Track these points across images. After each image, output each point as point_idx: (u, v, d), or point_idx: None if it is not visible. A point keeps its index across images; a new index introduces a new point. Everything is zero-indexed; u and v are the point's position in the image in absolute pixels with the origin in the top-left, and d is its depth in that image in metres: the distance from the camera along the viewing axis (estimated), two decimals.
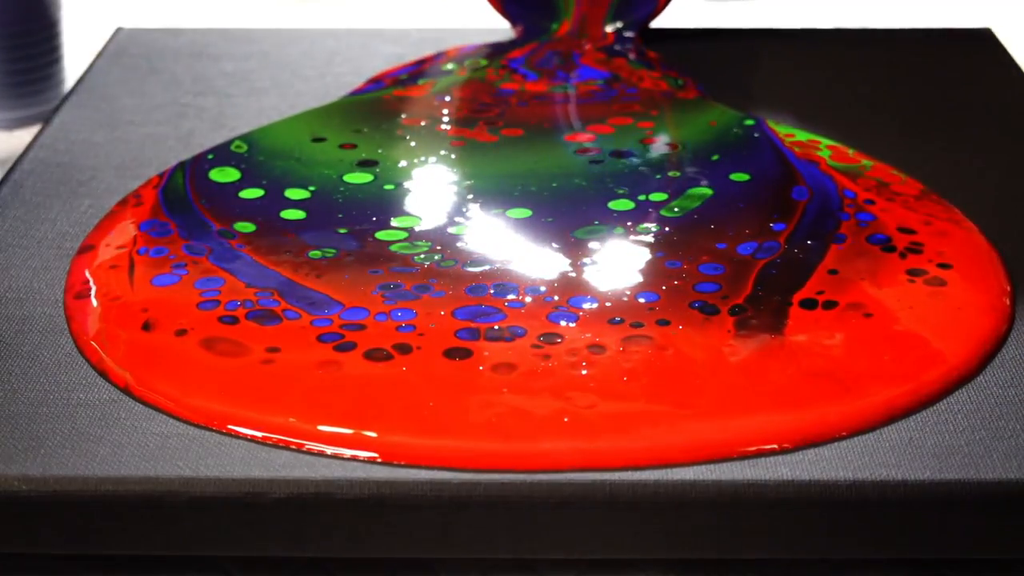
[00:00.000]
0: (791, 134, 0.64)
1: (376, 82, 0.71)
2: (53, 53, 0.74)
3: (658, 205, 0.59)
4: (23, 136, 0.73)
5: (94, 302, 0.52)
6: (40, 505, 0.44)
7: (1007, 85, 0.70)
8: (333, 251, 0.55)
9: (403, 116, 0.67)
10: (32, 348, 0.50)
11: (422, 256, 0.55)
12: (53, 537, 0.44)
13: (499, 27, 0.78)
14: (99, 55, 0.74)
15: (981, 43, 0.75)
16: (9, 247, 0.56)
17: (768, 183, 0.60)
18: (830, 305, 0.52)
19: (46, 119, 0.68)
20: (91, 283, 0.53)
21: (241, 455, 0.45)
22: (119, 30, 0.77)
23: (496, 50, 0.74)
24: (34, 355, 0.50)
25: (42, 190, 0.60)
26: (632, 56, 0.73)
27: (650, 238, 0.56)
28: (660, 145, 0.64)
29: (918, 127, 0.66)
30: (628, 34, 0.75)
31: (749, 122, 0.66)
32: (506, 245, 0.56)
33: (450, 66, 0.73)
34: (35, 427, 0.46)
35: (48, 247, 0.56)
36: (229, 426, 0.46)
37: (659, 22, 0.77)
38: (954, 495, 0.44)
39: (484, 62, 0.73)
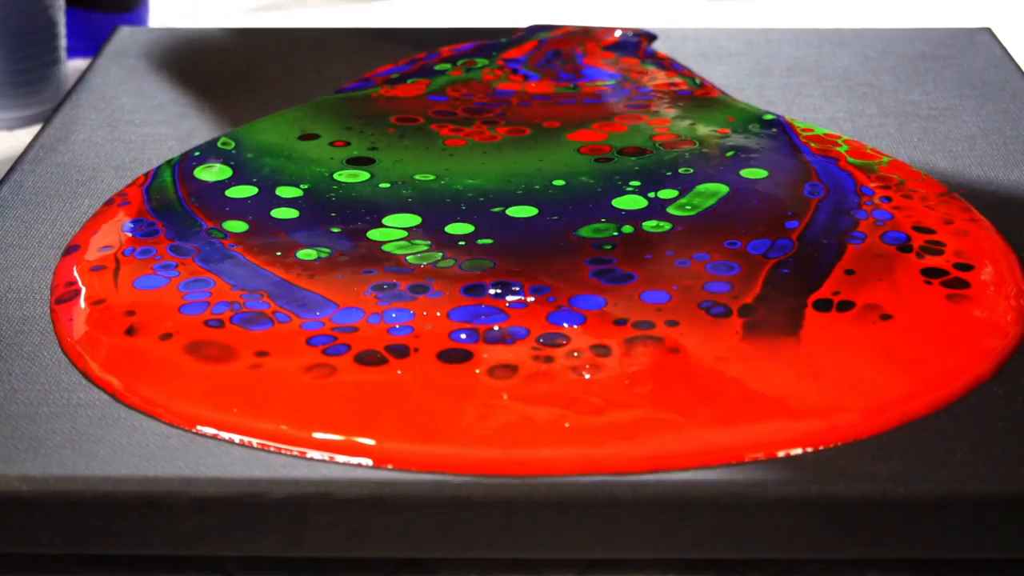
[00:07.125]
0: (809, 129, 0.64)
1: (366, 80, 0.71)
2: (53, 53, 0.74)
3: (668, 202, 0.58)
4: (23, 136, 0.72)
5: (81, 305, 0.51)
6: (40, 505, 0.44)
7: (1007, 85, 0.70)
8: (327, 251, 0.55)
9: (398, 114, 0.66)
10: (32, 348, 0.50)
11: (420, 255, 0.54)
12: (53, 537, 0.44)
13: (497, 27, 0.78)
14: (99, 55, 0.74)
15: (981, 43, 0.75)
16: (9, 247, 0.56)
17: (784, 180, 0.59)
18: (845, 306, 0.51)
19: (46, 119, 0.68)
20: (76, 286, 0.52)
21: (241, 455, 0.45)
22: (119, 30, 0.77)
23: (493, 49, 0.74)
24: (34, 355, 0.50)
25: (42, 190, 0.60)
26: (643, 57, 0.73)
27: (660, 236, 0.55)
28: (673, 142, 0.63)
29: (917, 126, 0.66)
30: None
31: (768, 117, 0.65)
32: (508, 244, 0.55)
33: (445, 65, 0.72)
34: (35, 427, 0.46)
35: (48, 247, 0.56)
36: (219, 433, 0.46)
37: (661, 22, 0.77)
38: (954, 495, 0.44)
39: (482, 62, 0.72)
